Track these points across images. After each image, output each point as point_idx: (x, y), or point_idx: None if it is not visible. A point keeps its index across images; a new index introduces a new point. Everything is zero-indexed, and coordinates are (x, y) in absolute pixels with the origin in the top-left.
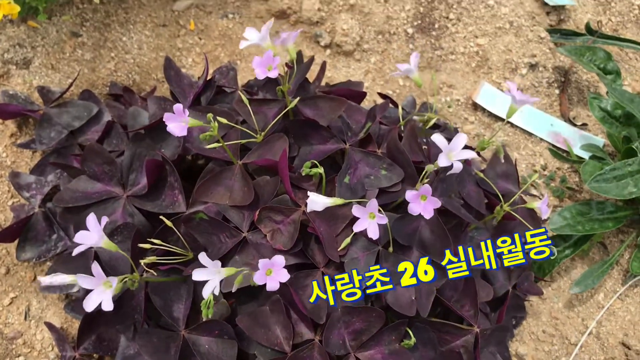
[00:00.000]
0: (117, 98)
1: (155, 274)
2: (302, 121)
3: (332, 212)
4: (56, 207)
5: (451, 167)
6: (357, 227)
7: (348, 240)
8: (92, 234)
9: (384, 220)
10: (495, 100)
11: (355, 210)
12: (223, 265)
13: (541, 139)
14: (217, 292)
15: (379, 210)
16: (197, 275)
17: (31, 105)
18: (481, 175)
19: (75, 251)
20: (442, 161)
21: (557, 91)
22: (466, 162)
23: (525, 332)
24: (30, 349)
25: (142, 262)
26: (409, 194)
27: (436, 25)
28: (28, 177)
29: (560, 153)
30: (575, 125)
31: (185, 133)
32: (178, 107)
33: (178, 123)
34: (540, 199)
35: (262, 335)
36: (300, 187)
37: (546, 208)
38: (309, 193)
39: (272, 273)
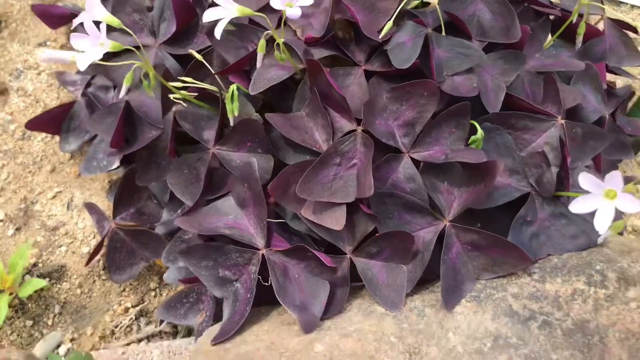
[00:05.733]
0: None
1: (185, 105)
2: None
3: (370, 2)
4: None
5: None
6: None
7: (390, 23)
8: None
9: None
10: None
11: None
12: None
13: None
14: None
15: None
16: (208, 15)
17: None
18: None
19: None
20: None
21: None
22: None
23: None
24: (72, 239)
25: (171, 96)
26: None
27: None
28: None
29: None
30: None
31: None
32: None
33: None
34: None
35: (298, 136)
36: None
37: None
38: None
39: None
